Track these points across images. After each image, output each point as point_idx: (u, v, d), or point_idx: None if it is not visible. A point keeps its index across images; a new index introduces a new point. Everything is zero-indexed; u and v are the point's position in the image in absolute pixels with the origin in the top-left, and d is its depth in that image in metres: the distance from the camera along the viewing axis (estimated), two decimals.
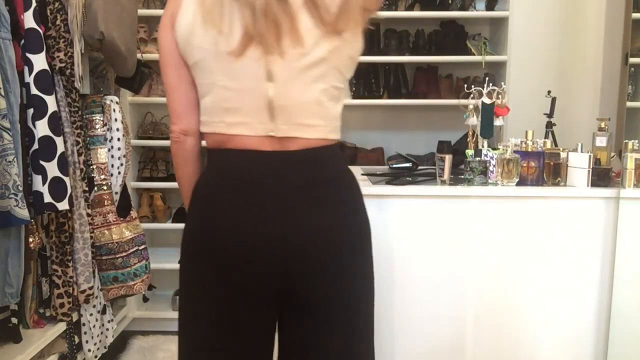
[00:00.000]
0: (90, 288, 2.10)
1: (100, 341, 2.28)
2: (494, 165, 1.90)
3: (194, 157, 1.22)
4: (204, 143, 1.19)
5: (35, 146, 1.78)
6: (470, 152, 2.01)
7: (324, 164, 1.12)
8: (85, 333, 2.19)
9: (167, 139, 3.30)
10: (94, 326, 2.21)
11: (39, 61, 1.78)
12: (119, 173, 2.24)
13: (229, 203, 1.10)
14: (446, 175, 1.91)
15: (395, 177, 2.03)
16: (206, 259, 1.13)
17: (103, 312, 2.30)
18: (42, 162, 1.78)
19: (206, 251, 1.13)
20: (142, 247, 2.30)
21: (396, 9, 3.00)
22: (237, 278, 1.10)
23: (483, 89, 2.05)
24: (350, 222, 1.14)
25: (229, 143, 1.11)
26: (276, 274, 1.10)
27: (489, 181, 1.92)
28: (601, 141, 1.94)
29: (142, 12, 2.81)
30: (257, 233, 1.08)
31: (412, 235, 1.89)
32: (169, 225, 3.02)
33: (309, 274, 1.10)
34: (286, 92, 1.08)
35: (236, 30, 1.05)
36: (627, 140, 1.92)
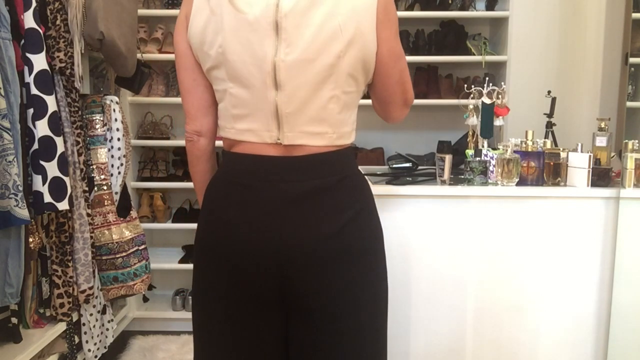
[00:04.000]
0: (90, 288, 2.10)
1: (100, 341, 2.28)
2: (494, 165, 1.90)
3: (206, 156, 1.23)
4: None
5: (35, 146, 1.78)
6: (470, 152, 2.01)
7: (327, 169, 1.10)
8: (85, 333, 2.19)
9: (167, 138, 3.29)
10: (94, 326, 2.21)
11: (39, 61, 1.78)
12: (119, 173, 2.24)
13: (229, 209, 1.11)
14: (446, 175, 1.91)
15: (395, 177, 2.03)
16: (211, 264, 1.14)
17: (103, 312, 2.30)
18: (42, 162, 1.78)
19: (210, 256, 1.13)
20: (142, 247, 2.30)
21: (396, 9, 3.00)
22: (238, 283, 1.10)
23: (483, 89, 2.05)
24: (348, 230, 1.10)
25: (237, 147, 1.13)
26: (271, 281, 1.09)
27: (489, 181, 1.92)
28: (601, 141, 1.94)
29: (142, 12, 2.81)
30: (255, 239, 1.08)
31: (412, 235, 1.89)
32: (169, 225, 3.02)
33: (302, 282, 1.09)
34: (293, 100, 1.07)
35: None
36: (627, 140, 1.92)
